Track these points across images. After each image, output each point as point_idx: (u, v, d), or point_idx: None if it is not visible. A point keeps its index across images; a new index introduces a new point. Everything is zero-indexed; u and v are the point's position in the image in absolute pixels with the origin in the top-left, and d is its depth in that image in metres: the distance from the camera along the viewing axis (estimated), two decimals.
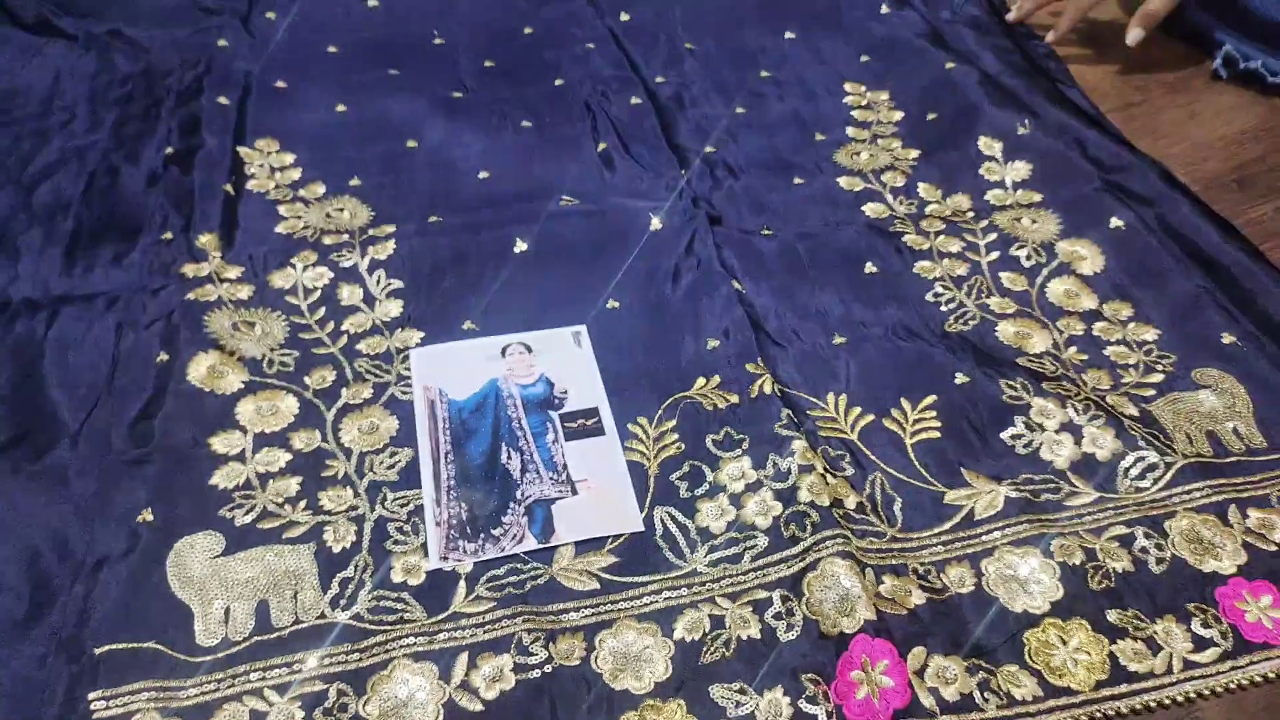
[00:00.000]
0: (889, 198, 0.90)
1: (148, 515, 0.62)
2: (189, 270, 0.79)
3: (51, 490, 0.63)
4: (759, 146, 0.97)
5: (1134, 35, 1.04)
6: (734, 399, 0.70)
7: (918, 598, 0.59)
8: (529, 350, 0.75)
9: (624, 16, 1.15)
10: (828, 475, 0.65)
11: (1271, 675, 0.56)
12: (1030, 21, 1.13)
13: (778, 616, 0.58)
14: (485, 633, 0.58)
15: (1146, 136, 0.96)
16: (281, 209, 0.87)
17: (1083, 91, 1.05)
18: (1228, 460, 0.67)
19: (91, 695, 0.54)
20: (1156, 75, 1.07)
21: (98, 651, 0.55)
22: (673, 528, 0.63)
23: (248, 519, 0.63)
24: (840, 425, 0.69)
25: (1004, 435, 0.68)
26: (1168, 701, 0.55)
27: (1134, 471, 0.66)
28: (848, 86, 1.06)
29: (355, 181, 0.91)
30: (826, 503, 0.62)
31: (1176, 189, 0.88)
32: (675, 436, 0.68)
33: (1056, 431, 0.68)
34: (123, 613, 0.57)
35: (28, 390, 0.69)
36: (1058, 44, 1.10)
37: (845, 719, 0.53)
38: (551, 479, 0.66)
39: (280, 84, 1.02)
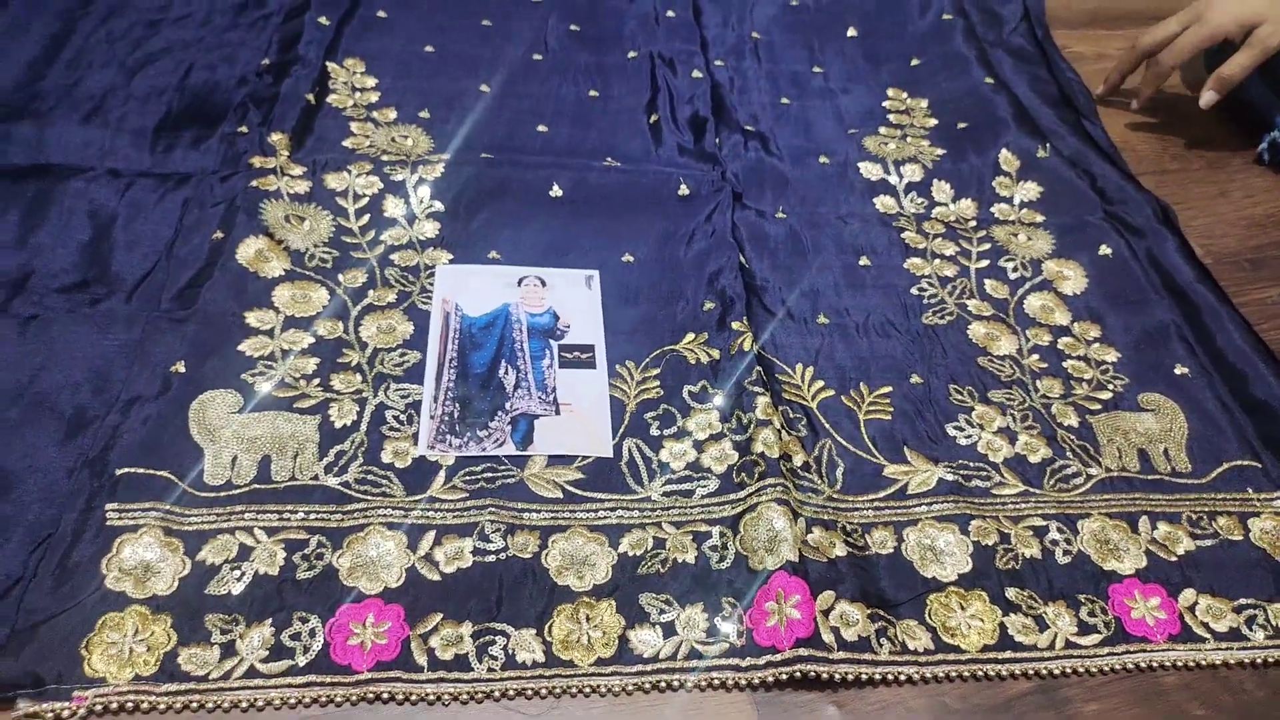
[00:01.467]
0: (901, 192, 0.92)
1: (180, 367, 0.67)
2: (256, 161, 0.83)
3: (101, 333, 0.68)
4: (794, 132, 0.99)
5: (1208, 98, 0.99)
6: (715, 354, 0.74)
7: (840, 550, 0.62)
8: (543, 284, 0.78)
9: None
10: (783, 431, 0.68)
11: (1142, 665, 0.58)
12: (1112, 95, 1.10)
13: (713, 548, 0.62)
14: (454, 517, 0.62)
15: (1172, 204, 0.93)
16: (353, 125, 0.92)
17: (1104, 128, 1.05)
18: (1150, 478, 0.69)
19: (109, 505, 0.59)
20: (1198, 150, 1.04)
21: (118, 472, 0.60)
22: (638, 458, 0.67)
23: (266, 386, 0.67)
24: (803, 393, 0.72)
25: (948, 426, 0.71)
26: (1044, 672, 0.57)
27: (1059, 475, 0.68)
28: (890, 91, 1.07)
29: (424, 114, 0.94)
30: (775, 455, 0.65)
31: (1168, 228, 0.89)
32: (657, 383, 0.72)
33: (994, 433, 0.71)
34: (145, 445, 0.62)
35: (98, 246, 0.75)
36: (1140, 111, 1.07)
37: (754, 640, 0.57)
38: (540, 398, 0.70)
39: (381, 13, 1.06)
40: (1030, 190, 0.94)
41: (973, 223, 0.90)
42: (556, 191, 0.86)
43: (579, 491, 0.64)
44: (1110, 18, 1.26)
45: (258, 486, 0.62)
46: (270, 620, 0.56)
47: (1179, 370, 0.76)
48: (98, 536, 0.58)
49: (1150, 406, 0.73)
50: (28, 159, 0.80)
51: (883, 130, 1.01)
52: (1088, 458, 0.70)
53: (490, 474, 0.64)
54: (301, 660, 0.54)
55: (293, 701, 0.53)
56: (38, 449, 0.62)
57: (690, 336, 0.75)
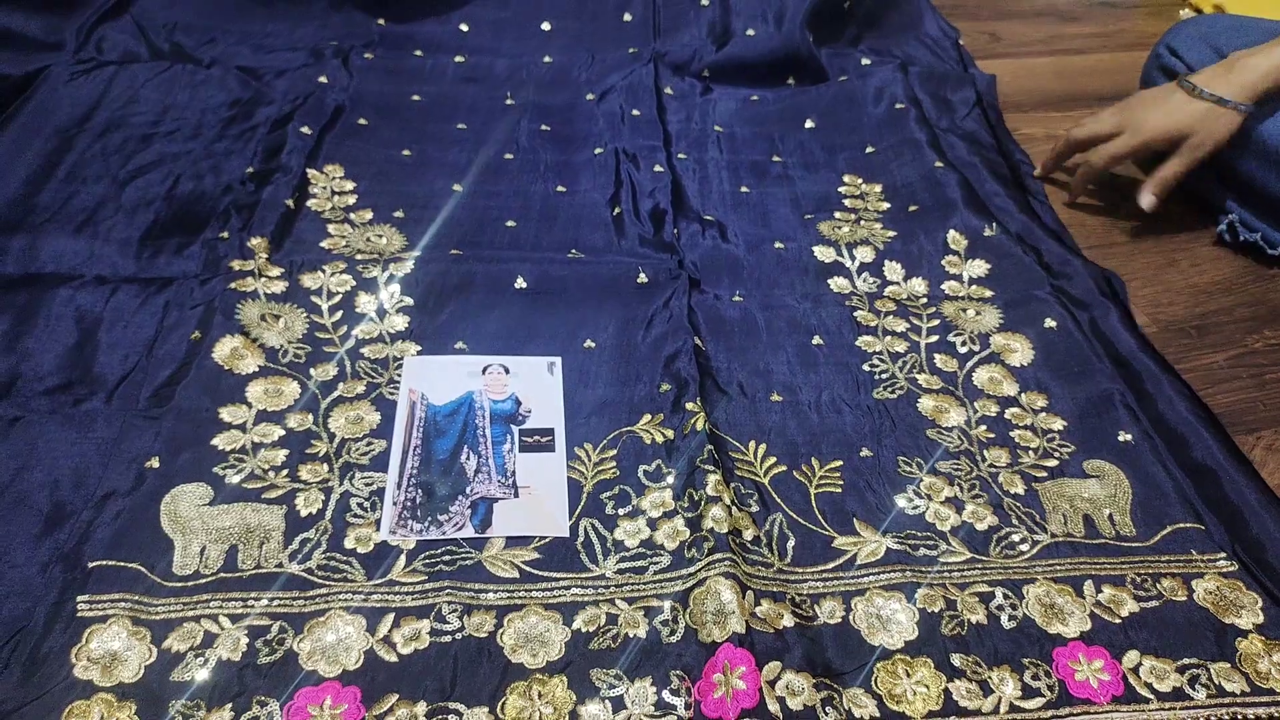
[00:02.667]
0: (854, 273, 0.96)
1: (154, 462, 0.69)
2: (236, 264, 0.87)
3: (82, 433, 0.71)
4: (752, 220, 1.04)
5: (1147, 201, 1.02)
6: (670, 434, 0.76)
7: (788, 620, 0.63)
8: (506, 371, 0.81)
9: (669, 90, 1.23)
10: (733, 508, 0.70)
11: None
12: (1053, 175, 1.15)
13: (664, 622, 0.63)
14: (413, 599, 0.64)
15: (1120, 275, 0.96)
16: (330, 227, 0.96)
17: (1052, 207, 1.09)
18: (1095, 542, 0.70)
19: (80, 598, 0.61)
20: (1145, 223, 1.07)
21: (91, 565, 0.63)
22: (593, 537, 0.69)
23: (236, 478, 0.70)
24: (755, 469, 0.74)
25: (897, 498, 0.73)
26: None
27: (1005, 542, 0.70)
28: (846, 178, 1.12)
29: (399, 213, 0.99)
30: (725, 530, 0.67)
31: (1111, 300, 0.92)
32: (614, 464, 0.74)
33: (942, 503, 0.72)
34: (118, 538, 0.65)
35: (83, 349, 0.78)
36: (1071, 204, 1.10)
37: (701, 712, 0.58)
38: (499, 481, 0.72)
39: (362, 120, 1.12)
40: (979, 267, 0.97)
41: (923, 300, 0.93)
42: (520, 283, 0.90)
43: (535, 571, 0.66)
44: (1059, 99, 1.32)
45: (224, 575, 0.64)
46: (230, 705, 0.57)
47: (1123, 437, 0.78)
48: (68, 628, 0.60)
49: (1095, 473, 0.75)
50: (20, 269, 0.84)
51: (838, 215, 1.05)
52: (1034, 524, 0.71)
53: (449, 556, 0.66)
54: None
55: None
56: (14, 545, 0.64)
57: (647, 417, 0.78)
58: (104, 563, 0.63)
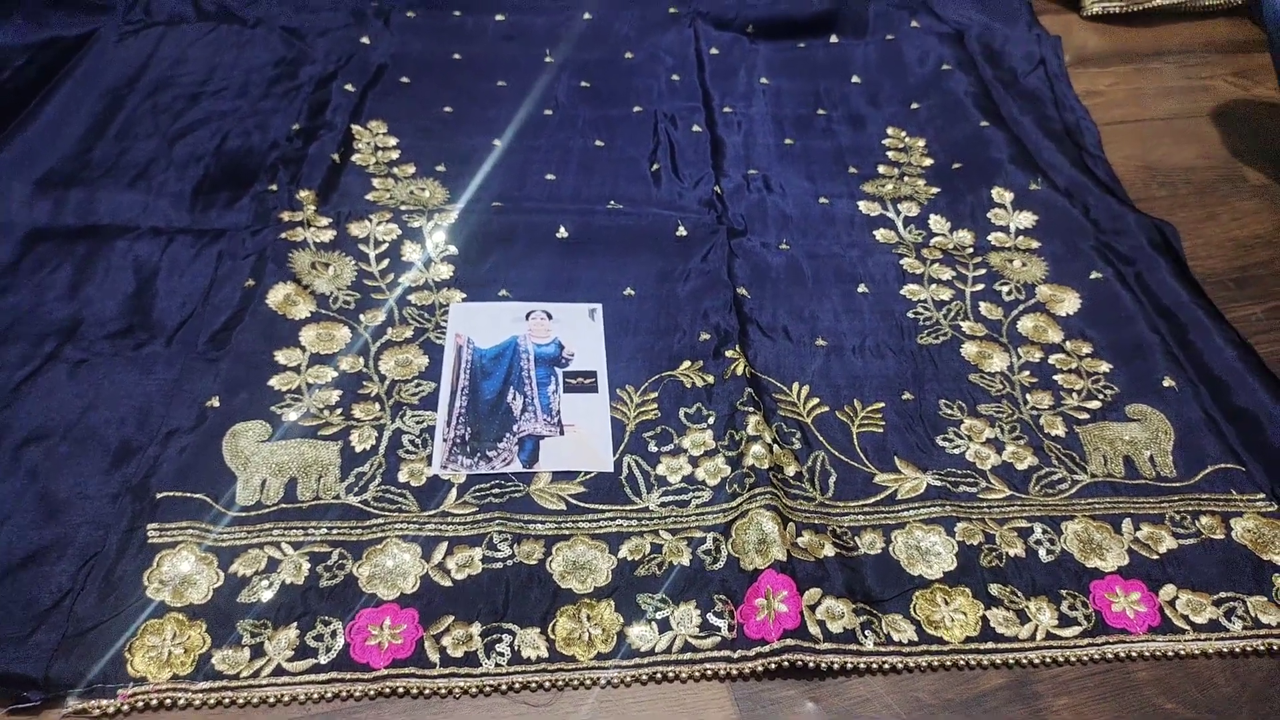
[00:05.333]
0: (899, 225, 0.99)
1: (214, 401, 0.75)
2: (285, 216, 0.93)
3: (144, 374, 0.77)
4: (797, 171, 1.07)
5: None
6: (710, 380, 0.80)
7: (829, 551, 0.67)
8: (549, 317, 0.86)
9: (714, 50, 1.26)
10: (774, 446, 0.74)
11: (1121, 655, 0.62)
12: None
13: (707, 552, 0.67)
14: (465, 529, 0.68)
15: None
16: (375, 181, 1.01)
17: (1108, 163, 1.11)
18: (1135, 482, 0.73)
19: (149, 525, 0.66)
20: (1188, 177, 1.09)
21: (159, 496, 0.68)
22: (636, 472, 0.73)
23: (293, 416, 0.75)
24: (799, 409, 0.78)
25: (938, 438, 0.76)
26: (1024, 661, 0.62)
27: (1045, 481, 0.73)
28: (890, 130, 1.14)
29: (441, 167, 1.04)
30: (766, 466, 0.71)
31: (1161, 252, 0.94)
32: (655, 405, 0.78)
33: (983, 444, 0.76)
34: (183, 471, 0.70)
35: (141, 297, 0.84)
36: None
37: (745, 635, 0.62)
38: (545, 420, 0.77)
39: (404, 79, 1.16)
40: (1026, 219, 1.00)
41: (969, 249, 0.96)
42: (562, 233, 0.94)
43: (581, 504, 0.70)
44: (1135, 54, 1.32)
45: (285, 506, 0.69)
46: (296, 624, 0.62)
47: (1166, 383, 0.81)
48: (140, 553, 0.65)
49: (1136, 416, 0.78)
50: (79, 220, 0.90)
51: (881, 169, 1.08)
52: (1074, 465, 0.74)
53: (499, 490, 0.71)
54: (324, 659, 0.61)
55: (316, 696, 0.60)
56: (86, 478, 0.70)
57: (687, 363, 0.82)
58: (171, 494, 0.69)
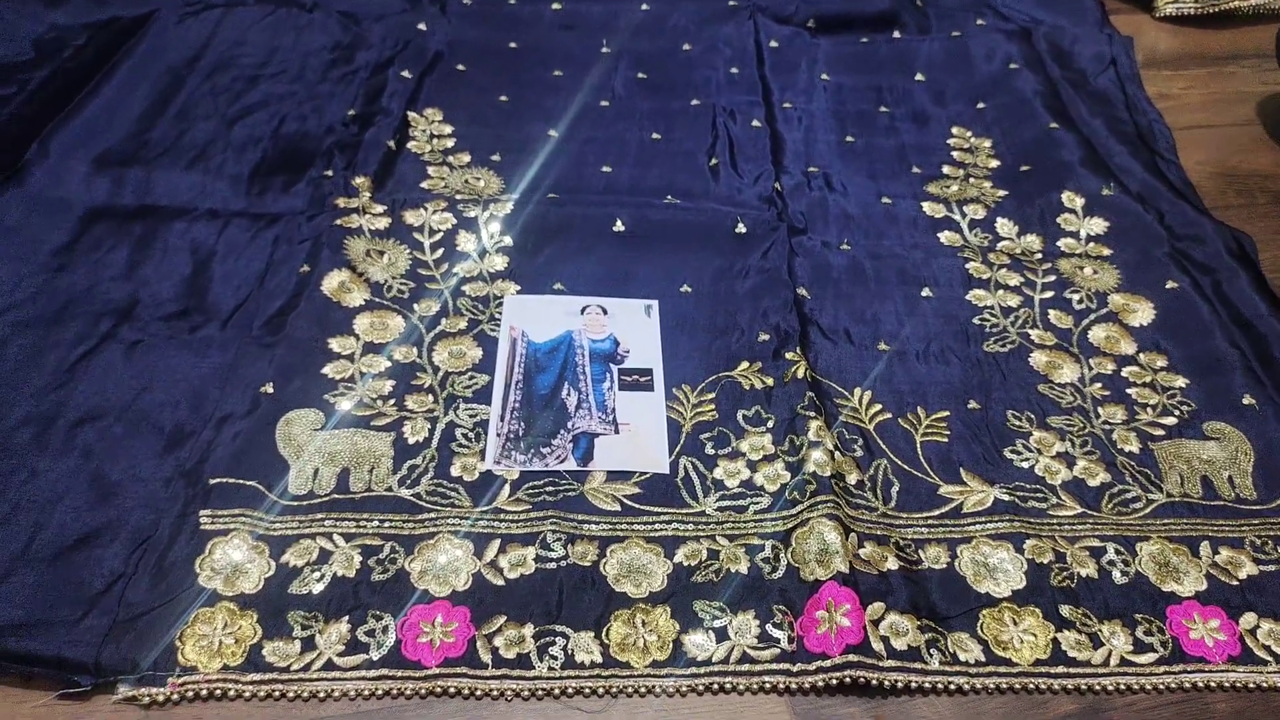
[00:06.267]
0: (965, 228, 0.96)
1: (268, 388, 0.74)
2: (341, 202, 0.92)
3: (199, 357, 0.76)
4: (858, 170, 1.04)
5: None
6: (770, 382, 0.78)
7: (892, 564, 0.65)
8: (605, 313, 0.84)
9: (773, 44, 1.23)
10: (836, 452, 0.72)
11: (1199, 685, 0.60)
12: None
13: (765, 560, 0.66)
14: (518, 527, 0.67)
15: None
16: (430, 169, 1.00)
17: (1182, 168, 1.07)
18: (1214, 503, 0.70)
19: (202, 512, 0.66)
20: (1265, 185, 1.05)
21: (211, 482, 0.68)
22: (693, 475, 0.71)
23: (346, 405, 0.74)
24: (861, 416, 0.76)
25: (1005, 450, 0.74)
26: (1096, 688, 0.59)
27: (1119, 499, 0.71)
28: (954, 130, 1.12)
29: (496, 157, 1.02)
30: (828, 474, 0.69)
31: (1241, 262, 0.90)
32: (712, 406, 0.77)
33: (1053, 458, 0.73)
34: (236, 458, 0.69)
35: (197, 279, 0.83)
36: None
37: (805, 648, 0.60)
38: (600, 417, 0.75)
39: (460, 67, 1.15)
40: (1097, 225, 0.97)
41: (1038, 255, 0.93)
42: (619, 227, 0.92)
43: (636, 505, 0.69)
44: (1209, 58, 1.28)
45: (337, 496, 0.68)
46: (347, 618, 0.61)
47: (1246, 400, 0.78)
48: (192, 539, 0.65)
49: (1215, 435, 0.75)
50: (136, 200, 0.90)
51: (946, 170, 1.05)
52: (1148, 483, 0.72)
53: (552, 488, 0.70)
54: (375, 655, 0.60)
55: (366, 693, 0.59)
56: (139, 461, 0.69)
57: (745, 364, 0.80)
58: (224, 480, 0.68)
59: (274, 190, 0.94)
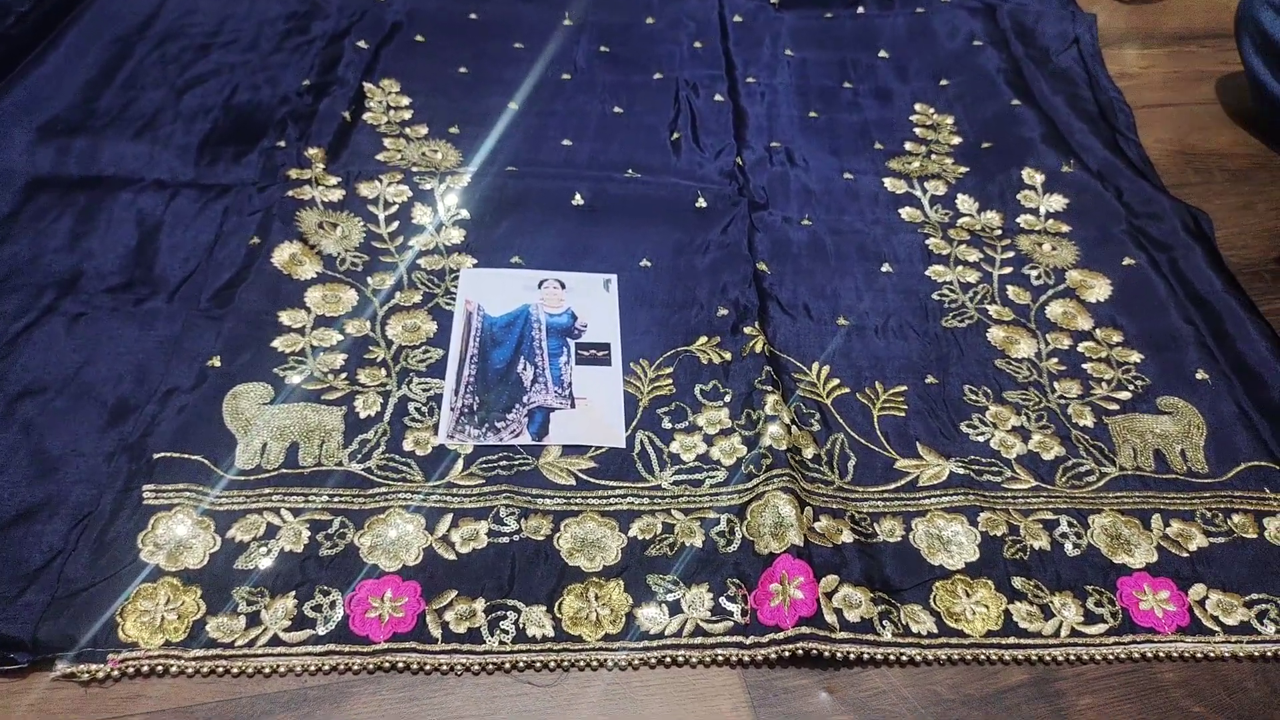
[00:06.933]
0: (926, 204, 0.96)
1: (216, 361, 0.73)
2: (293, 173, 0.90)
3: (144, 330, 0.75)
4: (821, 145, 1.04)
5: None
6: (727, 356, 0.78)
7: (846, 537, 0.65)
8: (563, 287, 0.83)
9: (737, 18, 1.22)
10: (793, 427, 0.71)
11: (1148, 655, 0.60)
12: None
13: (720, 534, 0.65)
14: (471, 501, 0.66)
15: None
16: (386, 141, 0.98)
17: (1141, 146, 1.07)
18: (1166, 477, 0.71)
19: (145, 486, 0.64)
20: (1223, 163, 1.06)
21: (156, 456, 0.66)
22: (649, 449, 0.71)
23: (296, 379, 0.73)
24: (818, 390, 0.76)
25: (962, 424, 0.74)
26: (1046, 658, 0.60)
27: (1072, 472, 0.71)
28: (918, 106, 1.11)
29: (454, 129, 1.01)
30: (783, 448, 0.69)
31: (1197, 239, 0.91)
32: (670, 381, 0.76)
33: (1008, 432, 0.73)
34: (181, 432, 0.68)
35: (144, 251, 0.81)
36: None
37: (758, 621, 0.60)
38: (556, 392, 0.74)
39: (419, 37, 1.13)
40: (1056, 201, 0.97)
41: (998, 231, 0.93)
42: (578, 200, 0.91)
43: (591, 479, 0.68)
44: (1142, 36, 1.29)
45: (285, 471, 0.67)
46: (294, 593, 0.60)
47: (1199, 375, 0.78)
48: (134, 514, 0.63)
49: (1168, 409, 0.76)
50: (82, 170, 0.87)
51: (908, 146, 1.05)
52: (1102, 457, 0.72)
53: (506, 462, 0.69)
54: (322, 630, 0.59)
55: (313, 669, 0.58)
56: (81, 435, 0.68)
57: (703, 339, 0.79)
58: (168, 454, 0.66)
59: (224, 160, 0.92)
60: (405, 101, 1.04)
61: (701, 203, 0.93)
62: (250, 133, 0.95)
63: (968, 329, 0.82)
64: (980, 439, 0.73)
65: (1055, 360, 0.80)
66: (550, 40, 1.16)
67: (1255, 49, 1.07)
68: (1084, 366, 0.80)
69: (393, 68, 1.08)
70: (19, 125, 0.90)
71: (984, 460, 0.71)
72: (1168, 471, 0.71)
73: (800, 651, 0.58)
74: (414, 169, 0.93)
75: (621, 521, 0.66)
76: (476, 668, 0.58)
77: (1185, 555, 0.66)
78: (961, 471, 0.70)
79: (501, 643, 0.59)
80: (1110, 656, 0.60)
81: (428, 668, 0.58)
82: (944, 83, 1.15)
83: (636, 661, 0.59)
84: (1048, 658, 0.60)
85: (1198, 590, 0.64)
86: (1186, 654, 0.61)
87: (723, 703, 0.57)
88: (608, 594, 0.62)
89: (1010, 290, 0.87)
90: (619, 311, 0.81)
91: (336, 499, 0.66)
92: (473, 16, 1.18)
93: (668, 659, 0.59)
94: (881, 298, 0.85)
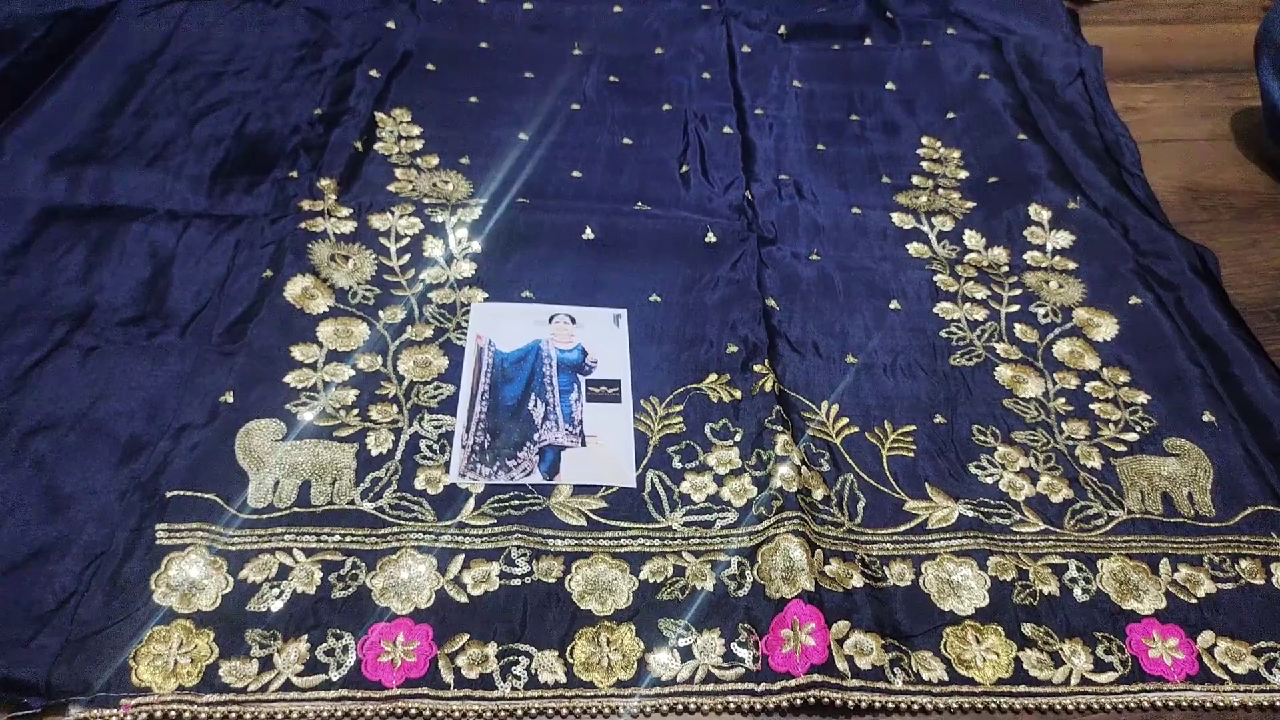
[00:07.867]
0: (933, 240, 0.96)
1: (228, 397, 0.73)
2: (305, 204, 0.90)
3: (156, 365, 0.75)
4: (829, 179, 1.04)
5: None
6: (737, 394, 0.78)
7: (857, 581, 0.65)
8: (573, 322, 0.83)
9: (745, 49, 1.23)
10: (803, 468, 0.71)
11: (1158, 704, 0.60)
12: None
13: (731, 577, 0.65)
14: (482, 542, 0.66)
15: None
16: (397, 171, 0.98)
17: (1147, 183, 1.08)
18: (1173, 520, 0.71)
19: (158, 526, 0.64)
20: (1230, 200, 1.06)
21: (168, 494, 0.66)
22: (660, 489, 0.71)
23: (308, 415, 0.73)
24: (827, 429, 0.76)
25: (970, 465, 0.74)
26: (1058, 707, 0.60)
27: (1080, 515, 0.71)
28: (924, 140, 1.12)
29: (465, 160, 1.01)
30: (794, 490, 0.69)
31: (1203, 279, 0.91)
32: (680, 419, 0.76)
33: (1017, 473, 0.74)
34: (194, 470, 0.68)
35: (156, 283, 0.81)
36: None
37: (770, 667, 0.60)
38: (567, 429, 0.75)
39: (430, 66, 1.14)
40: (1063, 238, 0.97)
41: (1005, 268, 0.94)
42: (588, 234, 0.91)
43: (602, 520, 0.68)
44: (1140, 71, 1.29)
45: (298, 510, 0.67)
46: (306, 636, 0.60)
47: (1206, 417, 0.78)
48: (147, 554, 0.63)
49: (1175, 451, 0.76)
50: (94, 200, 0.88)
51: (915, 180, 1.05)
52: (1110, 500, 0.72)
53: (518, 501, 0.69)
54: (335, 675, 0.59)
55: (325, 714, 0.57)
56: (93, 473, 0.68)
57: (713, 377, 0.79)
58: (181, 493, 0.67)
59: (236, 191, 0.92)
60: (416, 131, 1.04)
61: (711, 237, 0.93)
62: (262, 162, 0.96)
63: (975, 368, 0.83)
64: (989, 480, 0.73)
65: (1063, 400, 0.80)
66: (560, 70, 1.17)
67: (1275, 71, 1.07)
68: (1091, 407, 0.80)
69: (404, 97, 1.08)
70: (31, 154, 0.90)
71: (993, 502, 0.72)
72: (1175, 515, 0.72)
73: (812, 699, 0.58)
74: (425, 200, 0.94)
75: (632, 563, 0.66)
76: (489, 714, 0.58)
77: (1194, 602, 0.66)
78: (970, 514, 0.70)
79: (514, 689, 0.59)
80: (1120, 705, 0.60)
81: (440, 714, 0.58)
82: (951, 116, 1.16)
83: (649, 709, 0.59)
84: (1058, 706, 0.60)
85: (1206, 638, 0.64)
86: (1195, 703, 0.61)
87: None
88: (619, 638, 0.62)
89: (1018, 328, 0.87)
90: (629, 348, 0.81)
91: (349, 538, 0.66)
92: (483, 45, 1.19)
93: (680, 706, 0.59)
94: (890, 335, 0.85)
